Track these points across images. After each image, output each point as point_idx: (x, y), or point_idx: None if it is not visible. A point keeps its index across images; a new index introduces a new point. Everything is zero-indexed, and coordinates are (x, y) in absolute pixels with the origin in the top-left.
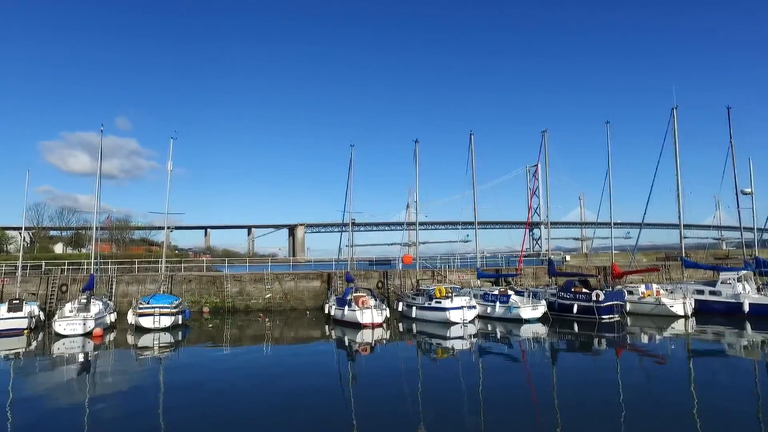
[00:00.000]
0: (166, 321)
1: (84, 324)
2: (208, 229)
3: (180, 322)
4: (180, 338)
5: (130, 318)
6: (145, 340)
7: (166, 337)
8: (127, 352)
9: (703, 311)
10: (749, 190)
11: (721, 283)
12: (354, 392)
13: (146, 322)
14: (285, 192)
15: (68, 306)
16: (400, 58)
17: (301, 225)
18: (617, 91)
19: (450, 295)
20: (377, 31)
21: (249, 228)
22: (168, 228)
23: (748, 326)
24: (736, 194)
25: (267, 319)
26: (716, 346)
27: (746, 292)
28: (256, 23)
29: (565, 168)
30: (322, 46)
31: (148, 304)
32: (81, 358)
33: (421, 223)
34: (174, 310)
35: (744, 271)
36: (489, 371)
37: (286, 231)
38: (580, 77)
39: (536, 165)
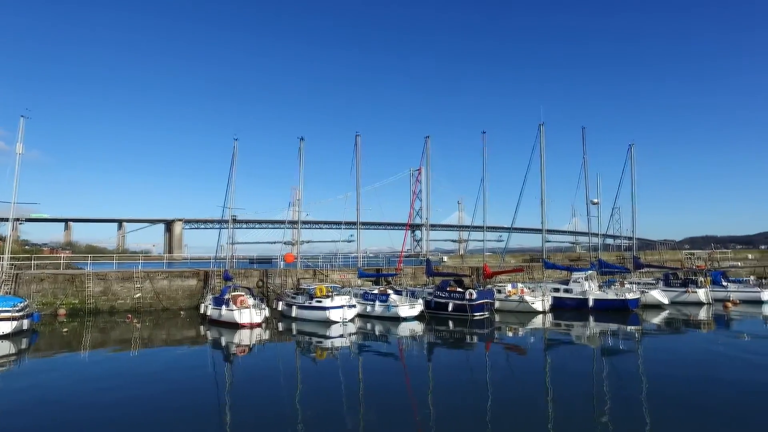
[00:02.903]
0: (6, 327)
1: None
2: (70, 222)
3: (25, 327)
4: (24, 346)
5: None
6: None
7: (5, 346)
8: None
9: (558, 307)
10: (597, 200)
11: (573, 281)
12: (230, 395)
13: None
14: (162, 185)
15: None
16: (288, 51)
17: (179, 220)
18: (496, 101)
19: (330, 294)
20: (266, 22)
21: (119, 222)
22: (17, 220)
23: (591, 319)
24: (587, 204)
25: (135, 321)
26: (566, 337)
27: (591, 289)
28: None
29: (446, 173)
30: (216, 28)
31: None
32: None
33: (304, 222)
34: (17, 314)
35: (590, 271)
36: (367, 369)
37: (162, 226)
38: (463, 88)
39: (419, 169)
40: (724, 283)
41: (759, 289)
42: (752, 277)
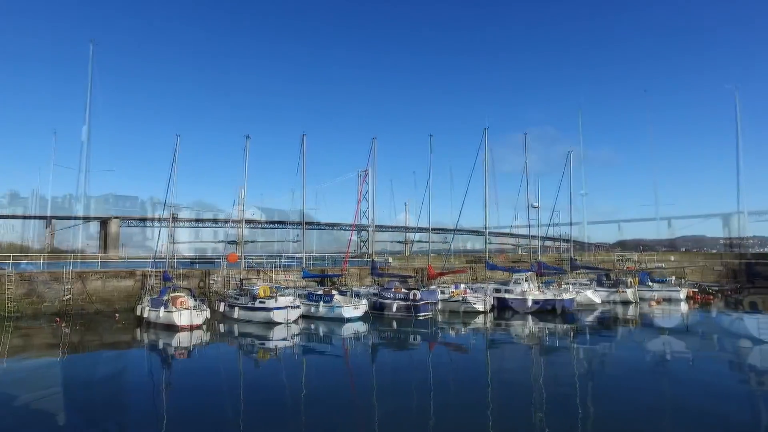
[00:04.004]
0: None
1: None
2: None
3: None
4: None
5: None
6: None
7: None
8: None
9: (500, 307)
10: (537, 204)
11: (513, 282)
12: (167, 400)
13: None
14: (97, 180)
15: None
16: (235, 46)
17: (115, 218)
18: (445, 107)
19: (274, 294)
20: (214, 16)
21: (48, 219)
22: None
23: (530, 318)
24: (528, 207)
25: (64, 324)
26: (506, 336)
27: (530, 289)
28: None
29: (394, 175)
30: (161, 20)
31: None
32: None
33: (249, 222)
34: None
35: (529, 273)
36: (311, 371)
37: (97, 224)
38: (411, 89)
39: (366, 170)
40: (650, 283)
41: (678, 288)
42: (673, 278)
